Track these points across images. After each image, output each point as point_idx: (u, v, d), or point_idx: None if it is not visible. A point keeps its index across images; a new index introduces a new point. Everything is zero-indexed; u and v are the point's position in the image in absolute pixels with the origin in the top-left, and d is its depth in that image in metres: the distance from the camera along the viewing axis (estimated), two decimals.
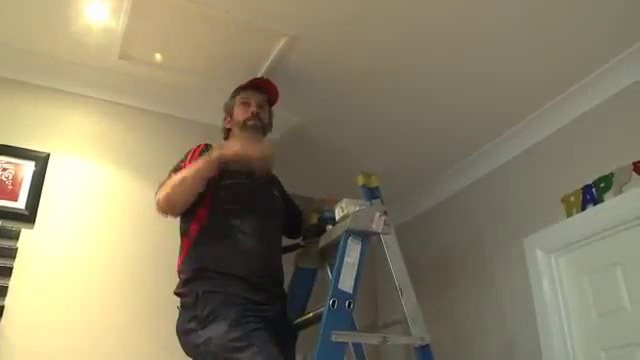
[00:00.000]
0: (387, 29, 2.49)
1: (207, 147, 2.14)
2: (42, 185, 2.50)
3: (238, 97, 2.36)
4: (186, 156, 2.11)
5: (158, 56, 2.68)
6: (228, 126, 2.36)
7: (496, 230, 3.31)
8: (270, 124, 2.40)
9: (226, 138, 2.37)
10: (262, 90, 2.39)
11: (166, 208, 2.00)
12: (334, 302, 1.82)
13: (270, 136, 2.47)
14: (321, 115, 3.11)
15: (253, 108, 2.31)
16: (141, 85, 2.83)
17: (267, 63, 2.67)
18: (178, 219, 2.11)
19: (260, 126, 2.30)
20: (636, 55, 2.58)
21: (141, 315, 2.50)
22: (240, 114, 2.31)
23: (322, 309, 1.84)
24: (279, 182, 2.38)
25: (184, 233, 2.07)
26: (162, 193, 1.99)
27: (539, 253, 2.96)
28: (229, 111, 2.37)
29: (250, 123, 2.28)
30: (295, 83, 2.82)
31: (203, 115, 2.87)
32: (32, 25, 2.48)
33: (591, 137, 2.80)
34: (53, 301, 2.37)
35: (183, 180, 1.96)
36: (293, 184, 2.65)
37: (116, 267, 2.53)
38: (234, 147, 2.02)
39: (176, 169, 2.05)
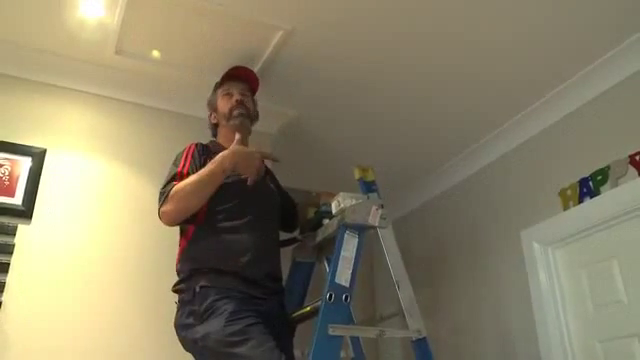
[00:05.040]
0: (382, 25, 2.48)
1: (197, 147, 2.14)
2: (39, 181, 2.49)
3: (219, 90, 2.36)
4: (179, 160, 2.09)
5: (156, 53, 2.67)
6: (214, 121, 2.35)
7: (493, 223, 3.32)
8: (256, 113, 2.39)
9: (214, 134, 2.36)
10: (242, 79, 2.39)
11: (171, 221, 1.98)
12: (331, 296, 1.82)
13: (259, 127, 2.46)
14: (317, 109, 3.11)
15: (237, 97, 2.31)
16: (137, 80, 2.82)
17: (263, 57, 2.67)
18: None
19: (246, 114, 2.30)
20: (631, 49, 2.58)
21: (140, 311, 2.50)
22: (224, 105, 2.30)
23: (319, 303, 1.85)
24: (274, 176, 2.39)
25: (182, 232, 2.07)
26: (168, 207, 1.94)
27: (536, 246, 2.97)
28: (213, 106, 2.36)
29: (236, 112, 2.28)
30: (291, 77, 2.82)
31: (199, 109, 2.85)
32: (27, 20, 2.46)
33: (588, 130, 2.81)
34: (50, 297, 2.37)
35: (192, 194, 1.93)
36: (289, 177, 2.65)
37: (114, 262, 2.53)
38: (245, 166, 1.98)
39: (173, 176, 2.02)
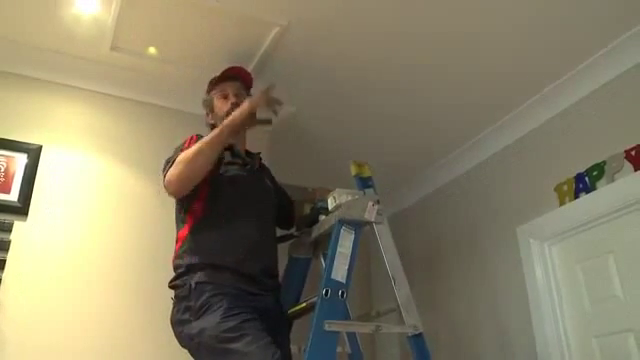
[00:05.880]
0: (379, 19, 2.48)
1: (199, 137, 2.14)
2: (34, 177, 2.49)
3: (214, 91, 2.35)
4: (181, 145, 2.08)
5: (152, 50, 2.67)
6: (212, 122, 2.34)
7: (490, 219, 3.32)
8: None
9: None
10: (236, 78, 2.38)
11: (177, 187, 1.96)
12: (327, 292, 1.82)
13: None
14: (314, 105, 3.10)
15: (232, 99, 2.30)
16: (133, 76, 2.81)
17: (259, 53, 2.67)
18: (172, 213, 2.11)
19: None
20: (627, 44, 2.58)
21: (136, 308, 2.50)
22: (221, 108, 2.29)
23: (315, 299, 1.85)
24: (270, 173, 2.38)
25: (179, 227, 2.07)
26: (173, 171, 1.94)
27: (532, 241, 2.98)
28: (210, 107, 2.35)
29: None
30: (287, 73, 2.82)
31: (195, 106, 2.83)
32: (22, 16, 2.46)
33: (584, 125, 2.81)
34: (46, 293, 2.37)
35: (196, 155, 1.93)
36: (286, 174, 2.65)
37: (110, 259, 2.53)
38: (240, 111, 2.06)
39: (172, 159, 2.01)
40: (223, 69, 2.37)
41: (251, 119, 2.13)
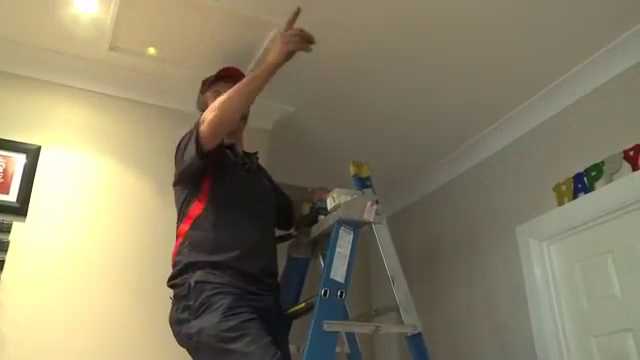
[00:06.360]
0: (378, 19, 2.48)
1: None
2: (33, 178, 2.49)
3: (209, 92, 2.30)
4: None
5: (152, 50, 2.67)
6: None
7: (488, 218, 3.33)
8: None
9: None
10: (231, 78, 2.33)
11: (215, 129, 1.93)
12: (326, 292, 1.82)
13: (255, 124, 2.45)
14: (313, 105, 3.10)
15: None
16: (132, 76, 2.81)
17: (258, 53, 2.66)
18: (173, 214, 2.11)
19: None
20: (626, 44, 2.58)
21: (136, 308, 2.50)
22: None
23: (314, 299, 1.85)
24: (267, 173, 2.38)
25: (180, 222, 2.07)
26: (210, 115, 1.92)
27: (531, 241, 2.98)
28: (204, 108, 2.26)
29: None
30: (286, 73, 2.80)
31: (194, 106, 2.86)
32: (21, 16, 2.45)
33: (583, 126, 2.81)
34: (46, 294, 2.37)
35: (237, 94, 1.94)
36: (285, 174, 2.66)
37: (109, 259, 2.53)
38: (281, 49, 2.02)
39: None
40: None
41: (289, 57, 2.06)
